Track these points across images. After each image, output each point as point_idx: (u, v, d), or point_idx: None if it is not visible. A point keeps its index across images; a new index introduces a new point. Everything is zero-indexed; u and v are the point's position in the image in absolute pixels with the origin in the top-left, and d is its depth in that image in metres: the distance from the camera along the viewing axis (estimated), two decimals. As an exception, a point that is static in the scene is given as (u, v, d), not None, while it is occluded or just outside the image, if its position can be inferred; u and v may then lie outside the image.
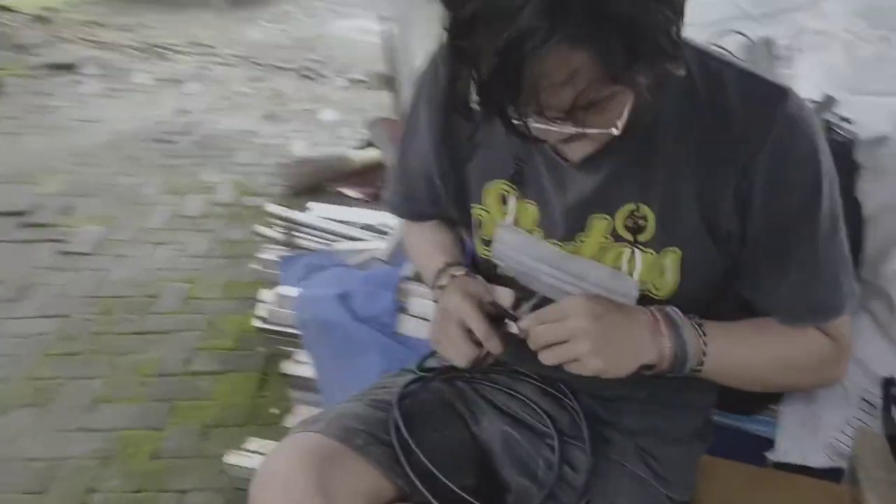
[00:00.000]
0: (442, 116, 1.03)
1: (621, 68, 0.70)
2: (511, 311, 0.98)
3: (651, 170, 0.91)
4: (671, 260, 0.93)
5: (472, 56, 0.71)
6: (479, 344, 0.97)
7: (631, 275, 0.94)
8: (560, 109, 0.72)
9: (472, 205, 1.05)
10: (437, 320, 1.03)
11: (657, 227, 0.93)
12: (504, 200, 1.01)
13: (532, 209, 0.99)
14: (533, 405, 1.09)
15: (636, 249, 0.94)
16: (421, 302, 1.78)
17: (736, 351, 0.94)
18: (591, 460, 1.02)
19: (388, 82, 3.12)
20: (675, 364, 0.91)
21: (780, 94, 0.87)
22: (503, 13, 0.67)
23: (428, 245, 1.20)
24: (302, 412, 1.94)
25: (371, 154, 3.39)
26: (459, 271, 1.07)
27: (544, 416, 1.08)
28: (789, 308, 0.95)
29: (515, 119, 0.74)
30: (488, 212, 1.03)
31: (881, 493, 1.06)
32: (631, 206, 0.93)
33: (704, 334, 0.92)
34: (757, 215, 0.90)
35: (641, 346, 0.90)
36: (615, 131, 0.78)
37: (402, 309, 1.81)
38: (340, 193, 3.20)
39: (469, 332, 0.96)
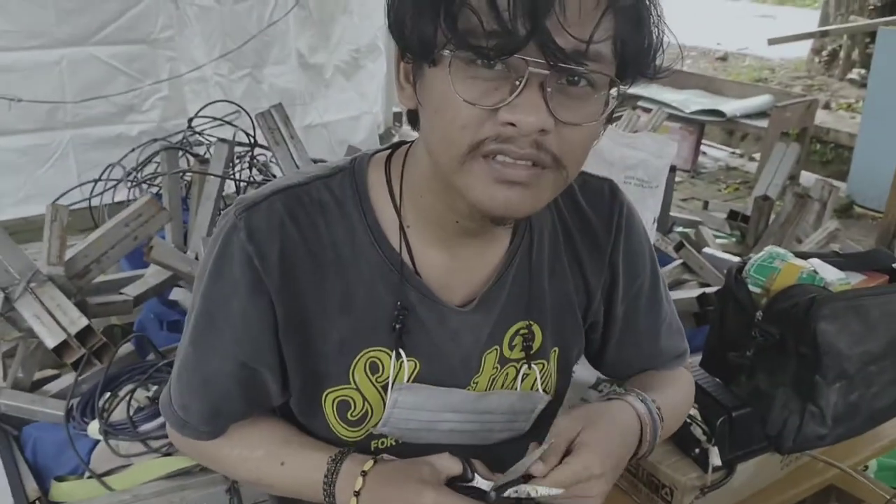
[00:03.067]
0: (285, 292, 0.84)
1: (627, 56, 0.73)
2: (477, 476, 0.87)
3: (536, 287, 0.94)
4: (553, 359, 1.00)
5: None
6: None
7: (532, 388, 0.97)
8: (580, 33, 0.69)
9: (328, 390, 0.89)
10: None
11: (544, 338, 0.97)
12: (377, 369, 0.89)
13: (409, 366, 0.89)
14: None
15: (531, 364, 0.96)
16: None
17: (668, 408, 0.99)
18: None
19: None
20: (652, 441, 0.95)
21: (610, 184, 0.98)
22: None
23: (270, 447, 0.93)
24: None
25: None
26: (363, 457, 0.89)
27: None
28: (665, 360, 1.09)
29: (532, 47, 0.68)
30: (359, 389, 0.90)
31: None
32: (518, 326, 0.95)
33: (654, 401, 0.97)
34: (622, 299, 1.01)
35: (631, 445, 0.93)
36: (597, 123, 0.76)
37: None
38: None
39: None
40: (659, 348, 1.06)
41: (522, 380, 0.96)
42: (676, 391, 1.06)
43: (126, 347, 1.85)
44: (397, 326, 0.87)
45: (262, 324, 0.85)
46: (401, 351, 0.88)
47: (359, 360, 0.88)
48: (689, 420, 1.35)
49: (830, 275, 1.44)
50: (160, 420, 1.60)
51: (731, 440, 1.35)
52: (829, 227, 2.55)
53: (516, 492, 0.85)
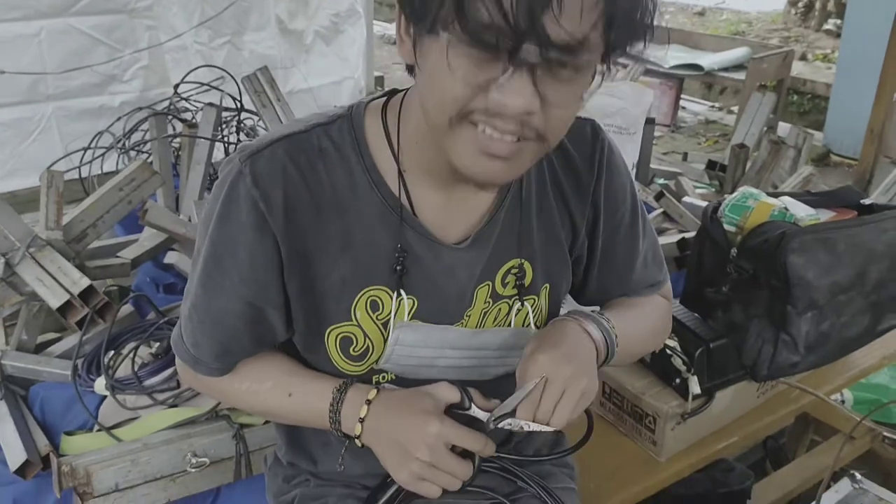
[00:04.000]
0: (289, 233, 0.89)
1: (617, 36, 0.75)
2: (473, 405, 0.94)
3: (525, 224, 0.99)
4: (544, 295, 1.05)
5: None
6: (463, 454, 0.91)
7: (524, 325, 1.03)
8: (574, 29, 0.72)
9: (330, 326, 0.94)
10: (404, 458, 0.89)
11: (535, 274, 1.02)
12: (377, 306, 0.95)
13: (407, 304, 0.95)
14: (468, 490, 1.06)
15: (523, 301, 1.02)
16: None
17: (626, 326, 1.04)
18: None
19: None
20: (606, 352, 0.99)
21: (592, 123, 1.03)
22: None
23: (278, 378, 1.00)
24: None
25: None
26: (367, 387, 0.95)
27: (481, 493, 1.08)
28: (638, 288, 1.13)
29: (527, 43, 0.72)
30: (360, 326, 0.95)
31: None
32: (511, 264, 1.00)
33: (609, 319, 1.01)
34: (604, 233, 1.06)
35: (590, 349, 0.97)
36: (582, 100, 0.82)
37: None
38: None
39: (453, 447, 0.90)
40: (634, 278, 1.11)
41: (515, 316, 1.03)
42: (640, 313, 1.11)
43: (125, 309, 1.90)
44: (398, 269, 0.93)
45: (268, 264, 0.90)
46: (401, 291, 0.94)
47: (360, 298, 0.93)
48: (669, 352, 1.43)
49: (801, 211, 1.52)
50: (165, 374, 1.66)
51: (710, 370, 1.43)
52: (803, 173, 2.62)
53: (510, 424, 0.91)
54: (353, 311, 0.94)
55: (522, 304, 1.02)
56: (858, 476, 1.75)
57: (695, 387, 1.40)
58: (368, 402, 0.93)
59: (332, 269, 0.92)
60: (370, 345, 0.96)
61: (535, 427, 0.90)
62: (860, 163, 3.70)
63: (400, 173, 0.93)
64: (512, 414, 0.91)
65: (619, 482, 1.39)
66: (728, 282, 1.49)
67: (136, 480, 1.43)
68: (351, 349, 0.96)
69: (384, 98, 0.96)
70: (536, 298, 1.04)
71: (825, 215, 1.58)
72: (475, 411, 0.93)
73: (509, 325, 1.03)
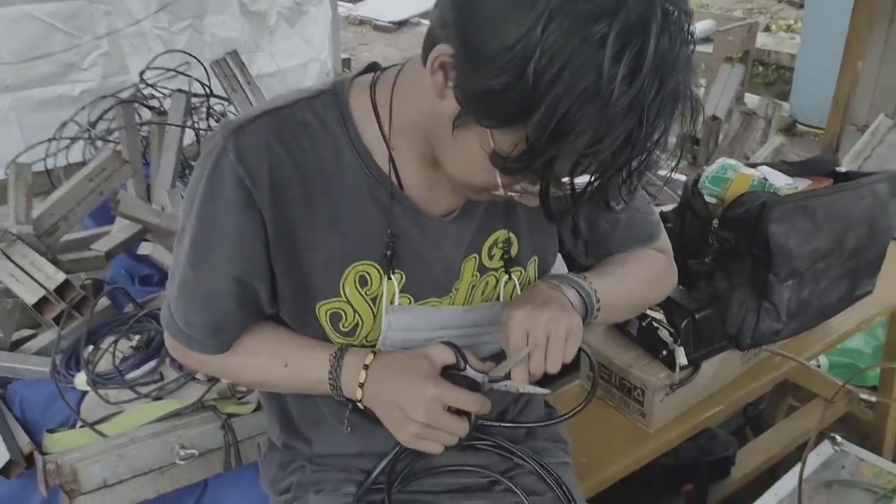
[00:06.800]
0: (275, 209, 0.89)
1: None
2: (468, 366, 0.95)
3: None
4: (532, 268, 1.04)
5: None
6: (458, 413, 0.92)
7: (513, 298, 1.02)
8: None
9: (319, 302, 0.94)
10: (403, 419, 0.91)
11: (521, 245, 1.02)
12: (365, 282, 0.94)
13: (396, 278, 0.95)
14: (459, 469, 1.09)
15: (510, 273, 1.02)
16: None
17: (612, 284, 1.04)
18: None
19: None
20: (584, 310, 0.99)
21: None
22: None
23: (273, 350, 0.99)
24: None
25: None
26: (363, 351, 0.96)
27: (477, 471, 1.09)
28: (628, 246, 1.11)
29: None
30: (349, 301, 0.95)
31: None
32: (497, 236, 1.00)
33: (585, 277, 1.02)
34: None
35: (557, 296, 0.96)
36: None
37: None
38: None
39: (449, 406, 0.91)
40: (623, 236, 1.10)
41: (504, 288, 1.02)
42: (630, 268, 1.10)
43: (102, 302, 1.86)
44: (388, 253, 0.93)
45: (255, 240, 0.89)
46: (387, 262, 0.94)
47: (348, 273, 0.93)
48: (655, 324, 1.44)
49: (779, 181, 1.53)
50: (147, 367, 1.64)
51: (696, 340, 1.45)
52: (774, 143, 2.65)
53: (506, 387, 0.93)
54: (341, 286, 0.93)
55: (510, 277, 1.02)
56: (839, 439, 1.79)
57: (681, 358, 1.41)
58: (366, 367, 0.93)
59: (319, 244, 0.92)
60: (360, 320, 0.96)
61: (529, 389, 0.92)
62: (826, 131, 3.74)
63: (391, 156, 0.92)
64: (506, 377, 0.93)
65: (610, 455, 1.40)
66: (710, 252, 1.50)
67: (124, 475, 1.41)
68: (341, 324, 0.96)
69: (369, 74, 0.94)
70: (523, 270, 1.04)
71: (801, 184, 1.60)
72: (470, 372, 0.94)
73: (498, 298, 1.03)
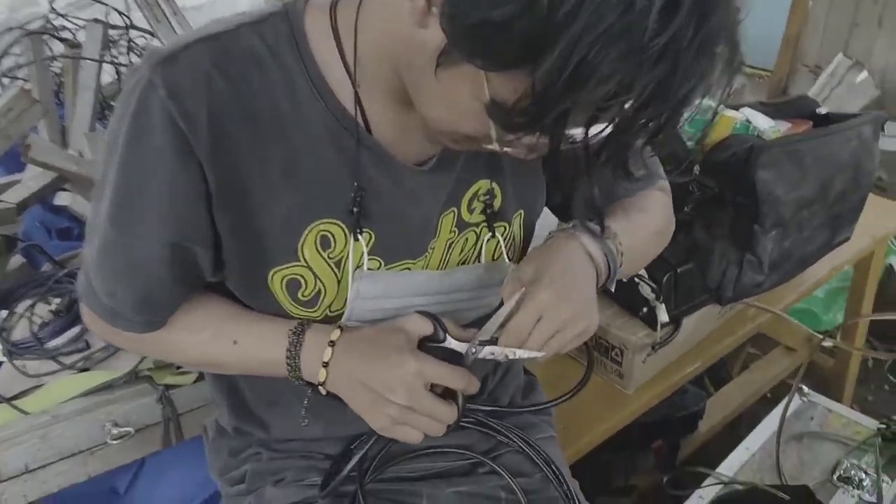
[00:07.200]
0: (218, 158, 0.72)
1: None
2: (448, 337, 0.81)
3: None
4: (517, 223, 0.92)
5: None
6: (443, 395, 0.79)
7: (495, 257, 0.90)
8: None
9: (274, 268, 0.79)
10: (378, 403, 0.77)
11: (505, 197, 0.89)
12: (328, 243, 0.80)
13: (365, 238, 0.80)
14: (437, 450, 0.97)
15: (493, 229, 0.88)
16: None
17: (631, 238, 0.91)
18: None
19: None
20: (607, 276, 0.87)
21: None
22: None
23: (218, 325, 0.84)
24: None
25: None
26: (327, 326, 0.82)
27: (458, 453, 0.98)
28: (631, 190, 0.98)
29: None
30: (309, 266, 0.80)
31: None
32: (478, 187, 0.86)
33: (615, 236, 0.88)
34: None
35: (591, 277, 0.84)
36: None
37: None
38: None
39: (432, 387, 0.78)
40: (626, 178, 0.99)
41: (486, 247, 0.89)
42: (644, 217, 0.97)
43: (15, 260, 1.66)
44: (355, 210, 0.78)
45: (192, 196, 0.73)
46: (358, 234, 0.79)
47: (308, 234, 0.78)
48: (637, 279, 1.34)
49: (763, 123, 1.43)
50: (70, 334, 1.45)
51: (677, 296, 1.36)
52: (734, 84, 2.57)
53: (492, 354, 0.80)
54: (300, 249, 0.78)
55: (493, 234, 0.89)
56: (806, 389, 1.76)
57: (663, 315, 1.32)
58: (332, 344, 0.79)
59: (272, 200, 0.76)
60: (322, 288, 0.81)
61: (521, 354, 0.79)
62: (774, 73, 3.69)
63: (355, 88, 0.76)
64: (493, 342, 0.79)
65: (589, 419, 1.31)
66: (690, 201, 1.40)
67: (48, 458, 1.26)
68: (300, 293, 0.81)
69: None
70: (508, 226, 0.90)
71: (782, 126, 1.51)
72: (451, 343, 0.81)
73: (478, 258, 0.90)
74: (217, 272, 0.81)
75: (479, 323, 0.92)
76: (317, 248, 0.79)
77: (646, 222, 0.97)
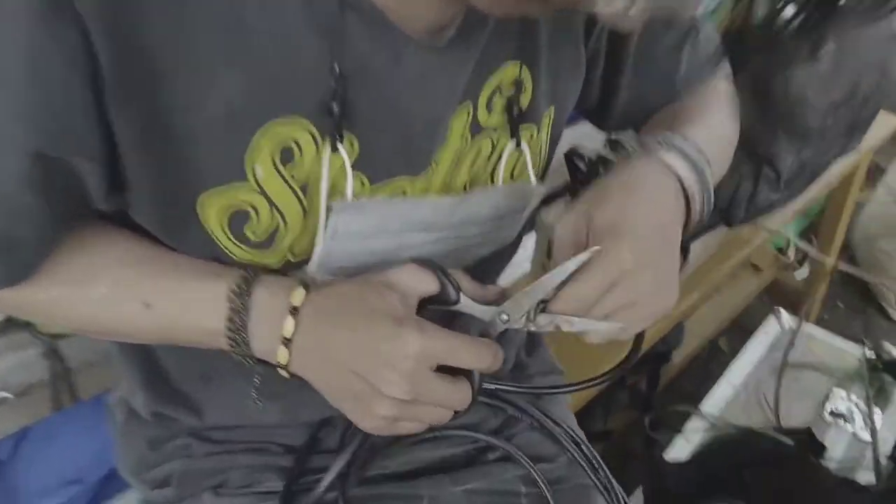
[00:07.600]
0: (116, 25, 0.44)
1: None
2: (462, 296, 0.56)
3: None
4: (546, 124, 0.67)
5: None
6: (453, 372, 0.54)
7: (514, 176, 0.66)
8: None
9: (206, 191, 0.51)
10: (368, 397, 0.52)
11: (537, 90, 0.64)
12: (290, 155, 0.52)
13: (346, 148, 0.53)
14: (443, 435, 0.74)
15: (519, 138, 0.64)
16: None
17: (710, 140, 0.67)
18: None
19: None
20: (703, 204, 0.63)
21: None
22: None
23: (119, 275, 0.55)
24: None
25: None
26: (285, 280, 0.55)
27: (462, 435, 0.75)
28: (693, 82, 0.75)
29: None
30: (262, 190, 0.52)
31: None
32: (504, 73, 0.61)
33: (701, 152, 0.64)
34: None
35: (676, 222, 0.61)
36: None
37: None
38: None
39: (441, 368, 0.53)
40: (685, 67, 0.74)
41: (506, 162, 0.64)
42: (718, 120, 0.74)
43: None
44: (334, 105, 0.50)
45: (70, 79, 0.45)
46: (337, 141, 0.52)
47: (259, 140, 0.50)
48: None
49: None
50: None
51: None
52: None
53: (535, 325, 0.56)
54: (246, 163, 0.50)
55: (518, 145, 0.63)
56: (784, 314, 1.62)
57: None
58: (295, 312, 0.52)
59: (207, 90, 0.47)
60: (280, 222, 0.54)
61: (582, 326, 0.55)
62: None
63: None
64: (535, 308, 0.55)
65: (586, 368, 1.11)
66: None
67: None
68: (247, 230, 0.53)
69: None
70: (536, 131, 0.65)
71: None
72: (467, 306, 0.56)
73: (492, 177, 0.65)
74: (114, 197, 0.52)
75: (488, 271, 0.67)
76: (273, 163, 0.51)
77: (722, 128, 0.73)
